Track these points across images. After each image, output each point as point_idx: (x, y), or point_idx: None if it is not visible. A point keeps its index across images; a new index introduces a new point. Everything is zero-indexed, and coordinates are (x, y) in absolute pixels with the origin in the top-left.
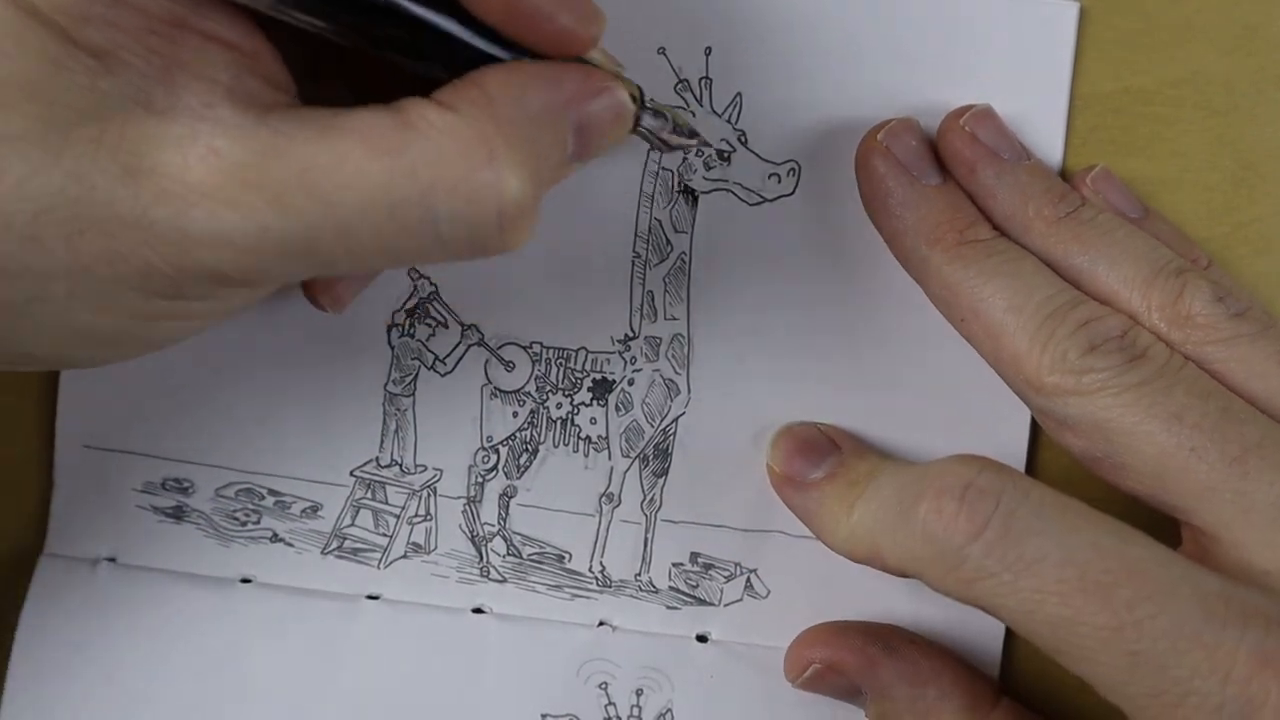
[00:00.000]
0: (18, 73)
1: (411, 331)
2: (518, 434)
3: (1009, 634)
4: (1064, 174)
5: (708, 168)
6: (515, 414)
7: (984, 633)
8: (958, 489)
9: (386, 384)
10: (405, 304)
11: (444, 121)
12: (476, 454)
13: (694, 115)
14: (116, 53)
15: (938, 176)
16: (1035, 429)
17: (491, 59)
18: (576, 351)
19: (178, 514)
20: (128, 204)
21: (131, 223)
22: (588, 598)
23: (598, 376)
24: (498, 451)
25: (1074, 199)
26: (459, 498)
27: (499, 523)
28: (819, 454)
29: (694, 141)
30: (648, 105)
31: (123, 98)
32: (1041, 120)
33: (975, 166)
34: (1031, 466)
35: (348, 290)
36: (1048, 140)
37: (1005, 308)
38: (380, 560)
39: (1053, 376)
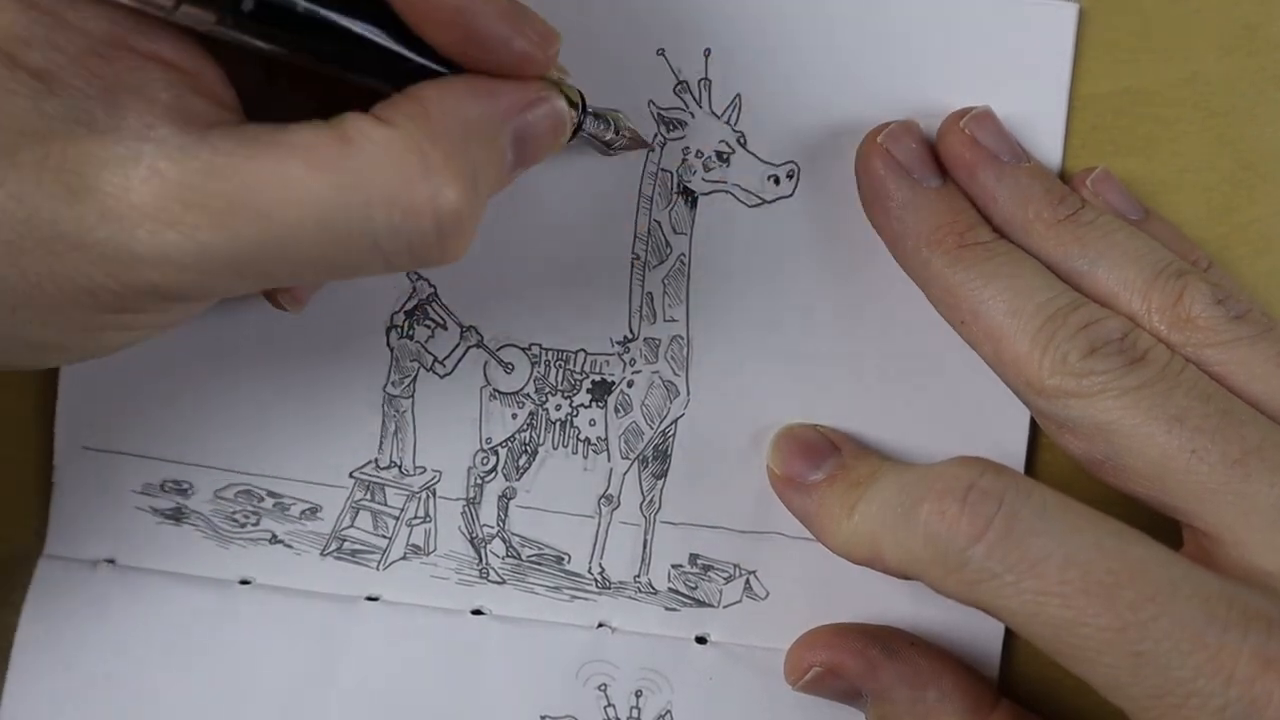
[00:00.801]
0: None
1: (410, 333)
2: (517, 436)
3: (1008, 635)
4: (1064, 175)
5: (707, 169)
6: (514, 415)
7: (983, 634)
8: (960, 491)
9: (385, 386)
10: (404, 305)
11: (381, 135)
12: (475, 455)
13: (694, 117)
14: (58, 74)
15: (938, 179)
16: (1035, 430)
17: (436, 74)
18: (575, 353)
19: (177, 515)
20: (71, 224)
21: (76, 243)
22: (587, 599)
23: (597, 378)
24: (497, 453)
25: (1074, 201)
26: (458, 499)
27: (498, 524)
28: (819, 456)
29: (637, 146)
30: (589, 111)
31: (66, 119)
32: (1041, 121)
33: (975, 169)
34: (1031, 467)
35: (304, 290)
36: (1048, 141)
37: (1006, 310)
38: (379, 562)
39: (1054, 379)
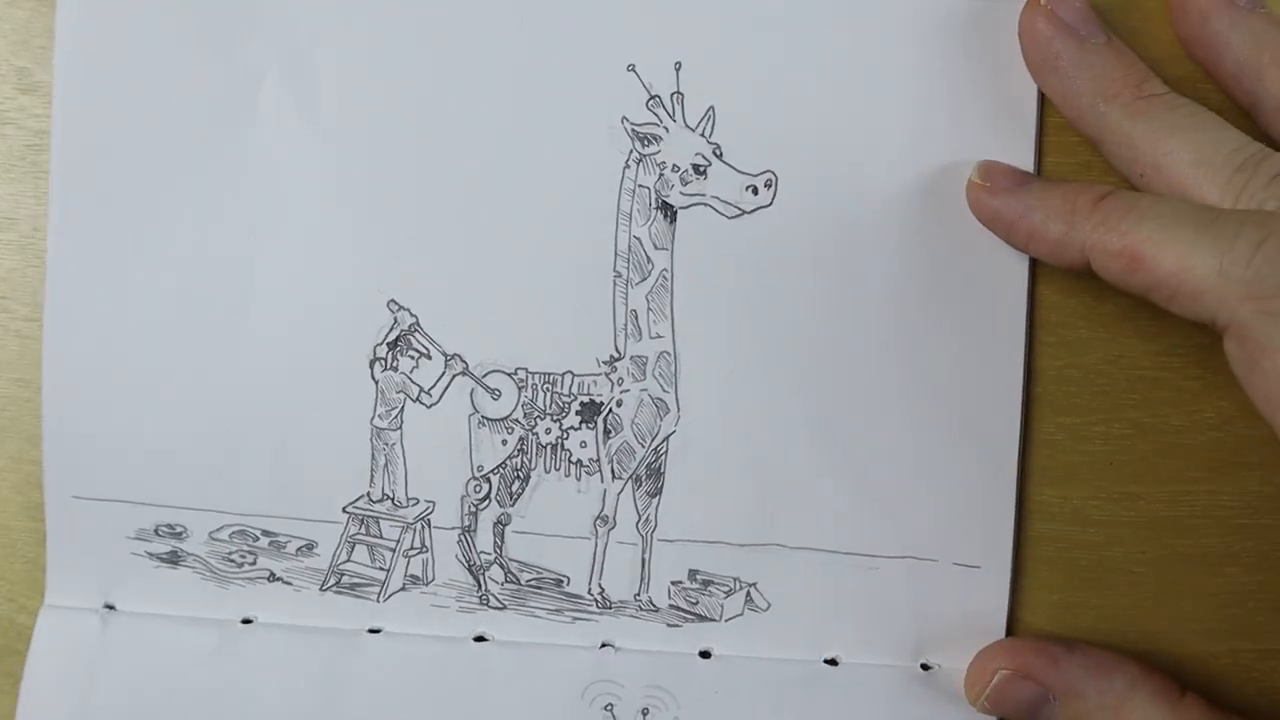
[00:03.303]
0: None
1: (394, 365)
2: (508, 461)
3: None
4: (1039, 166)
5: (684, 183)
6: (505, 441)
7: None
8: None
9: (372, 419)
10: (386, 337)
11: None
12: (468, 484)
13: (668, 131)
14: None
15: (1104, 34)
16: (1026, 426)
17: None
18: (562, 375)
19: (173, 559)
20: None
21: None
22: (589, 620)
23: (585, 399)
24: (489, 480)
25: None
26: (453, 528)
27: (495, 550)
28: (1029, 179)
29: None
30: None
31: None
32: (1012, 118)
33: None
34: (1024, 464)
35: None
36: (1020, 138)
37: (1192, 161)
38: (379, 594)
39: None
